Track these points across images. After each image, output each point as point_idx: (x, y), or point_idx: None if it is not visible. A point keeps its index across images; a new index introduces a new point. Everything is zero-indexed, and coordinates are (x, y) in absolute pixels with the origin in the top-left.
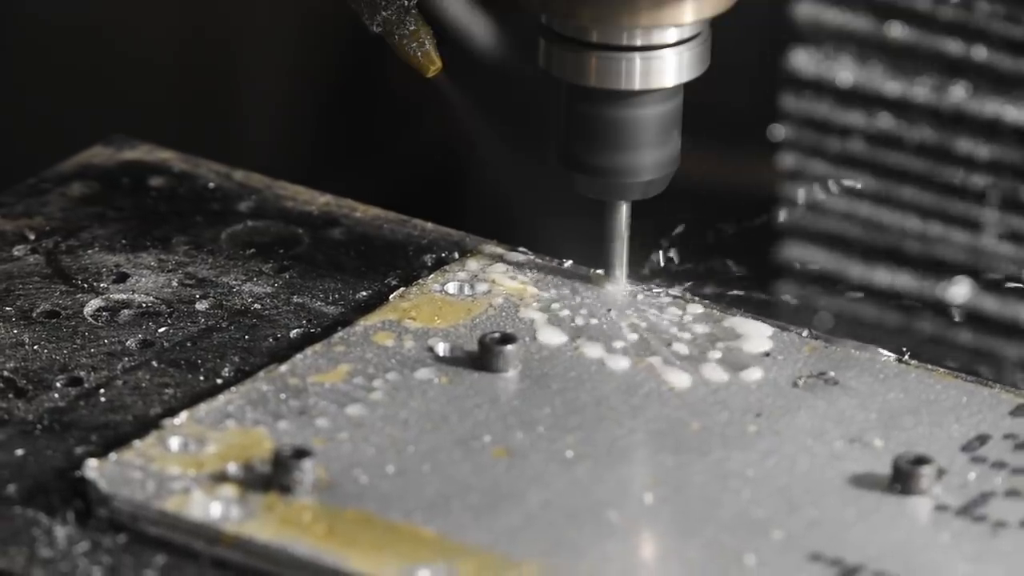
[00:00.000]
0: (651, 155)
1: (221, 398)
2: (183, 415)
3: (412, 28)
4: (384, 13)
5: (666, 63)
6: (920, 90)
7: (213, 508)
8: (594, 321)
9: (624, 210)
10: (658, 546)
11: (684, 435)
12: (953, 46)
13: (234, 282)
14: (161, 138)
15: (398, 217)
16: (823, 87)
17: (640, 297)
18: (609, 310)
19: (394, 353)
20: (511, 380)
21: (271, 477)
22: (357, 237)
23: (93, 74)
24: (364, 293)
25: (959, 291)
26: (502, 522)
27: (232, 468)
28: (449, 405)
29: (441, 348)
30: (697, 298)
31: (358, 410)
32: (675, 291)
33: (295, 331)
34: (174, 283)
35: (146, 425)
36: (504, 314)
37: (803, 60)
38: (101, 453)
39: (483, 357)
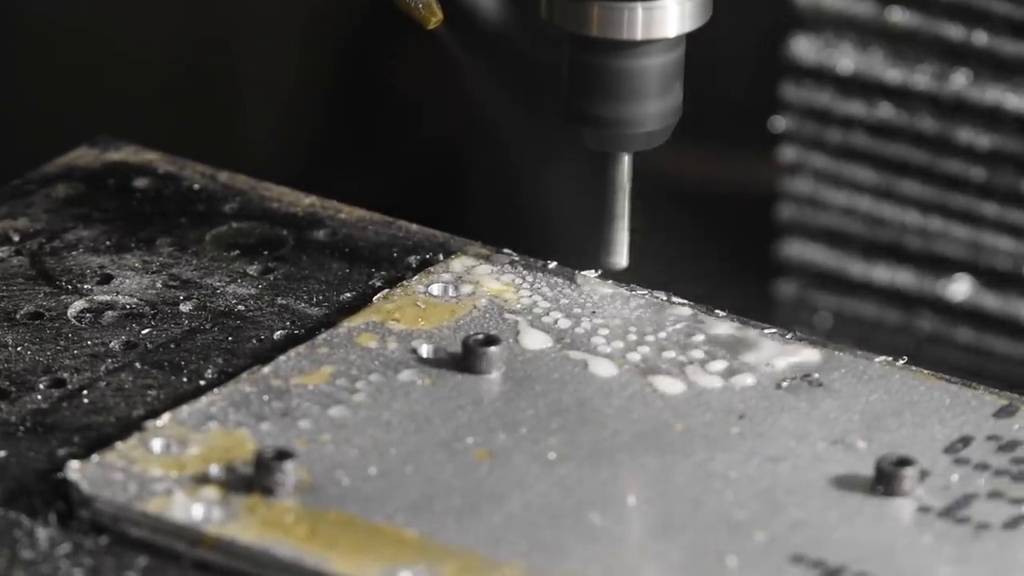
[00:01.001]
0: (653, 105)
1: (204, 400)
2: (165, 417)
3: None
4: None
5: (668, 13)
6: (921, 78)
7: (195, 510)
8: (578, 323)
9: (626, 161)
10: (641, 548)
11: (667, 437)
12: (954, 31)
13: (218, 284)
14: (161, 138)
15: (383, 218)
16: (824, 75)
17: (625, 298)
18: (594, 312)
19: (377, 355)
20: (494, 382)
21: (253, 479)
22: (342, 238)
23: (93, 74)
24: (348, 295)
25: (959, 288)
26: (485, 524)
27: (214, 470)
28: (432, 407)
29: (424, 350)
30: (682, 299)
31: (341, 412)
32: (660, 292)
33: (279, 333)
34: (158, 284)
35: (129, 427)
36: (488, 316)
37: (804, 47)
38: (83, 455)
39: (467, 359)
